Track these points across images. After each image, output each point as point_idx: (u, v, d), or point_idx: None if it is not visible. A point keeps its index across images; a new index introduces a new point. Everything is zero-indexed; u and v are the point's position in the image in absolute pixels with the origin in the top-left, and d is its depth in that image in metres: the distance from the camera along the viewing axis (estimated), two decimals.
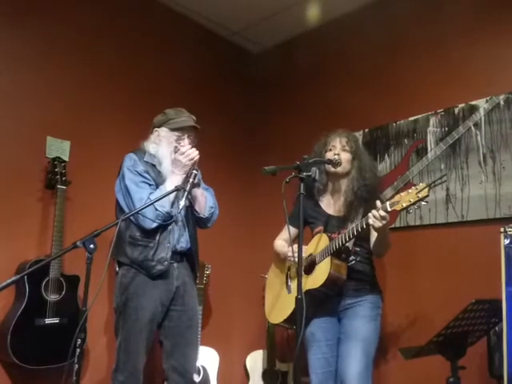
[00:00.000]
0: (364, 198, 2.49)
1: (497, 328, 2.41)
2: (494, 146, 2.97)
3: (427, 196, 2.06)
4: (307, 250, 2.58)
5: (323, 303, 2.52)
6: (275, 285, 2.77)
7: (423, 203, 2.10)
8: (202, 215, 2.67)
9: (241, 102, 4.29)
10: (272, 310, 2.78)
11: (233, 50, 4.37)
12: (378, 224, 2.21)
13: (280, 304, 2.67)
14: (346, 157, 2.60)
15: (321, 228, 2.57)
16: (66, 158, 3.05)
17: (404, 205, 2.11)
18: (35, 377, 2.71)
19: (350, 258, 2.50)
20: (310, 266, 2.53)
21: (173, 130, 2.62)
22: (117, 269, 2.59)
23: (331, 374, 2.51)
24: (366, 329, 2.45)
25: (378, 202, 2.22)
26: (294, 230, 2.59)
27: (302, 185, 2.12)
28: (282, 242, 2.75)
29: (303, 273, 2.55)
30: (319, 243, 2.52)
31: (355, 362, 2.40)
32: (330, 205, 2.67)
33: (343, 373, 2.42)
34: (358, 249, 2.53)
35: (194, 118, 2.69)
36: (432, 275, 3.08)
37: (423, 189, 2.05)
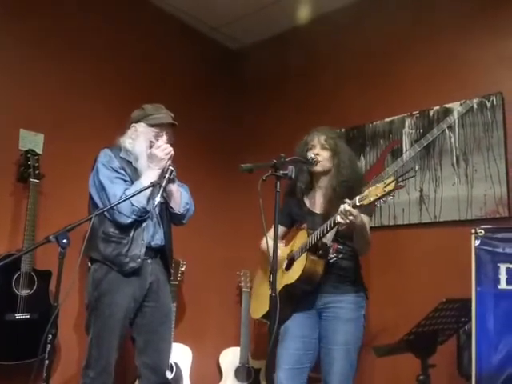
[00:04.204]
0: (343, 194, 2.45)
1: (466, 327, 2.46)
2: (467, 149, 3.03)
3: (394, 190, 2.06)
4: (290, 247, 2.61)
5: (302, 299, 2.53)
6: (260, 281, 2.80)
7: (390, 197, 2.12)
8: (177, 211, 2.66)
9: (220, 99, 4.27)
10: (254, 306, 2.84)
11: (212, 46, 4.35)
12: (346, 220, 2.22)
13: (261, 299, 2.69)
14: (325, 155, 2.60)
15: (304, 225, 2.58)
16: (40, 151, 3.00)
17: (371, 199, 2.12)
18: (5, 372, 2.66)
19: (332, 256, 2.51)
20: (290, 263, 2.55)
21: (151, 125, 2.60)
22: (89, 264, 2.56)
23: (300, 371, 2.50)
24: (347, 333, 2.45)
25: (347, 200, 2.24)
26: (282, 228, 2.68)
27: (278, 183, 2.12)
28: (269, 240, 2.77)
29: (284, 269, 2.57)
30: (299, 240, 2.55)
31: (338, 366, 2.42)
32: (314, 203, 2.68)
33: (327, 376, 2.44)
34: (340, 247, 2.54)
35: (172, 114, 2.67)
36: (405, 274, 3.13)
37: (390, 183, 2.06)
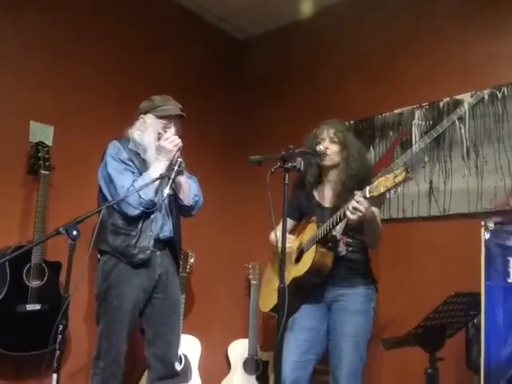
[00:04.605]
0: (352, 188, 2.44)
1: (475, 321, 2.45)
2: (478, 141, 3.00)
3: (404, 180, 2.06)
4: (299, 239, 2.61)
5: (311, 292, 2.54)
6: (269, 274, 2.80)
7: (400, 188, 2.11)
8: (186, 203, 2.66)
9: (227, 90, 4.26)
10: (263, 299, 2.85)
11: (219, 36, 4.34)
12: (356, 213, 2.22)
13: (270, 293, 2.70)
14: (334, 149, 2.59)
15: (313, 218, 2.58)
16: (50, 143, 3.01)
17: (382, 190, 2.12)
18: (16, 363, 2.70)
19: (341, 249, 2.51)
20: (299, 255, 2.55)
21: (159, 117, 2.60)
22: (98, 256, 2.58)
23: (306, 363, 2.51)
24: (356, 325, 2.46)
25: (356, 191, 2.23)
26: (290, 221, 2.67)
27: (286, 175, 2.12)
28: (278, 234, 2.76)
29: (293, 261, 2.57)
30: (309, 232, 2.55)
31: (347, 358, 2.42)
32: (323, 196, 2.67)
33: (335, 370, 2.45)
34: (350, 240, 2.54)
35: (180, 106, 2.67)
36: (414, 267, 3.12)
37: (400, 173, 2.05)
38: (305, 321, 2.55)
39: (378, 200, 2.45)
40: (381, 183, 2.13)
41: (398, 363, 3.00)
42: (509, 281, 2.18)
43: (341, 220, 2.34)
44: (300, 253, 2.57)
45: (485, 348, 2.15)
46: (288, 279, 2.48)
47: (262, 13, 4.02)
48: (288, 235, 2.52)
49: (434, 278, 2.96)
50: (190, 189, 2.67)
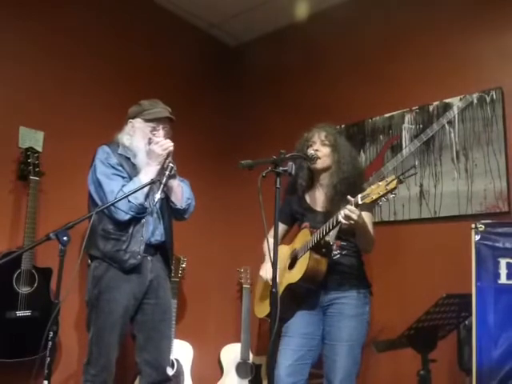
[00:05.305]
0: (344, 191, 2.45)
1: (467, 322, 2.46)
2: (467, 144, 3.03)
3: (395, 188, 2.07)
4: (292, 246, 2.60)
5: (306, 298, 2.53)
6: (263, 281, 2.78)
7: (391, 196, 2.12)
8: (179, 206, 2.65)
9: (218, 95, 4.26)
10: (258, 305, 2.83)
11: (211, 42, 4.35)
12: (348, 221, 2.22)
13: (265, 299, 2.69)
14: (325, 151, 2.59)
15: (306, 224, 2.57)
16: (40, 149, 2.99)
17: (374, 197, 2.12)
18: (6, 370, 2.66)
19: (335, 252, 2.51)
20: (293, 261, 2.55)
21: (147, 120, 2.58)
22: (89, 262, 2.56)
23: (302, 367, 2.50)
24: (350, 329, 2.45)
25: (349, 197, 2.24)
26: (282, 226, 2.69)
27: (278, 179, 2.12)
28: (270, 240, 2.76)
29: (287, 268, 2.57)
30: (302, 238, 2.54)
31: (341, 362, 2.41)
32: (315, 200, 2.67)
33: (329, 374, 2.44)
34: (343, 243, 2.54)
35: (170, 109, 2.66)
36: (405, 270, 3.13)
37: (392, 181, 2.07)
38: (300, 326, 2.54)
39: (369, 206, 2.46)
40: (373, 191, 2.13)
41: (392, 365, 3.00)
42: (499, 282, 2.20)
43: (333, 227, 2.34)
44: (294, 259, 2.57)
45: (476, 349, 2.17)
46: (282, 286, 2.49)
47: (253, 19, 4.04)
48: (267, 265, 2.52)
49: (426, 280, 2.97)
50: (182, 192, 2.66)
